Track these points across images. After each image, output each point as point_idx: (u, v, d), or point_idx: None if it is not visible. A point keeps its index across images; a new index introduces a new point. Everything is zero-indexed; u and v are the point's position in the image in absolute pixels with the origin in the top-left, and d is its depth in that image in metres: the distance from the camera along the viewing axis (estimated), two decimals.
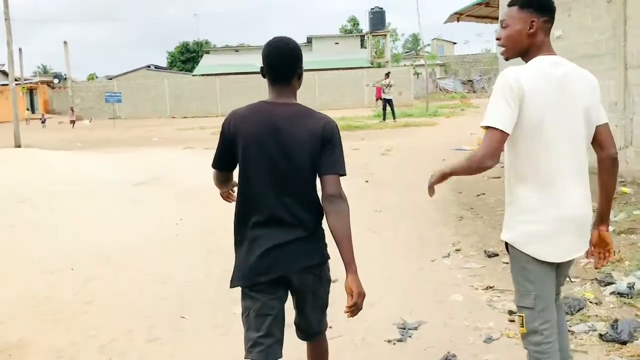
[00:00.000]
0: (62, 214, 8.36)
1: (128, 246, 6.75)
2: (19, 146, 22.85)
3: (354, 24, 63.50)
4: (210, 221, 7.91)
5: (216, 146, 2.81)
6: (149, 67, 55.28)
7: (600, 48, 9.67)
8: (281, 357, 2.78)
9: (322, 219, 2.75)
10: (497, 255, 6.04)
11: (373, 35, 51.17)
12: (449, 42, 75.42)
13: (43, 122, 36.72)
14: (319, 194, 2.75)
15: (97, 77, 67.02)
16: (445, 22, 15.76)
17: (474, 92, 53.64)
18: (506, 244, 2.74)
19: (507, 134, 2.52)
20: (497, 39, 2.78)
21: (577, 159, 2.65)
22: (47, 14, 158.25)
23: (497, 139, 2.51)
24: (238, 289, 2.81)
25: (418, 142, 16.75)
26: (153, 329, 4.53)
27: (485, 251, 6.17)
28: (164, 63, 67.92)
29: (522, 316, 2.69)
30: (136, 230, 7.49)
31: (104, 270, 5.98)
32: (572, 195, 2.62)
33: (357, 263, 2.66)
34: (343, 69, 42.72)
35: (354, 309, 2.61)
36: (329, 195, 2.63)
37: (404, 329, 4.33)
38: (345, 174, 2.70)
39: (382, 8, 49.83)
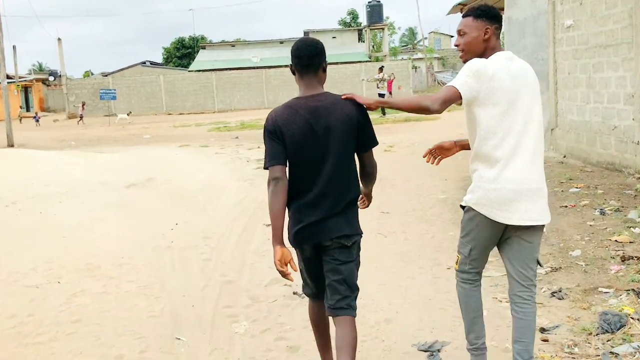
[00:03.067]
0: (50, 219, 7.88)
1: (119, 255, 6.27)
2: (12, 145, 22.38)
3: (353, 17, 62.83)
4: (207, 226, 7.45)
5: (265, 149, 3.10)
6: (144, 63, 54.59)
7: (615, 37, 9.20)
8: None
9: (358, 196, 3.21)
10: None
11: (371, 29, 50.59)
12: (446, 35, 74.75)
13: (37, 120, 36.13)
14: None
15: (92, 74, 66.40)
16: (449, 14, 15.26)
17: None
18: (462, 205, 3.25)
19: (459, 95, 2.98)
20: (456, 45, 3.24)
21: (533, 138, 3.05)
22: (42, 10, 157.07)
23: (451, 93, 2.99)
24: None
25: (420, 137, 16.26)
26: (145, 353, 4.06)
27: None
28: (160, 59, 67.31)
29: (458, 257, 3.31)
30: (128, 237, 7.01)
31: (92, 283, 5.50)
32: (526, 171, 3.01)
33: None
34: (341, 63, 42.12)
35: (367, 206, 3.46)
36: (368, 172, 3.23)
37: (426, 351, 3.87)
38: (378, 144, 3.17)
39: (379, 1, 49.16)
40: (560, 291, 4.75)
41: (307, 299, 4.51)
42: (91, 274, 5.75)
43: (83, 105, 35.99)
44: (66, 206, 8.58)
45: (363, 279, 5.27)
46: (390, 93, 36.43)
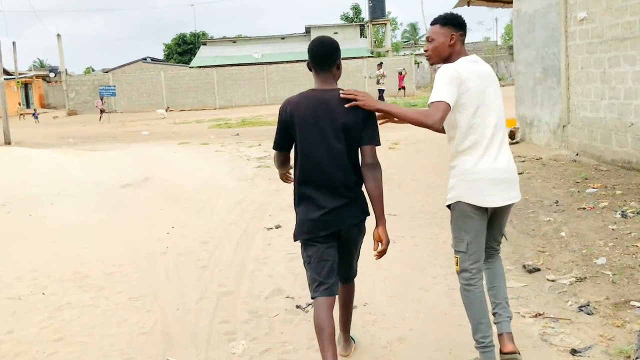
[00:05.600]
0: (40, 222, 7.49)
1: (110, 262, 5.87)
2: (9, 143, 22.07)
3: (356, 12, 62.26)
4: (205, 229, 7.05)
5: (275, 131, 3.41)
6: (145, 59, 54.16)
7: (633, 30, 8.76)
8: (338, 293, 3.43)
9: (362, 182, 3.33)
10: (538, 270, 5.17)
11: (373, 24, 50.08)
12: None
13: (36, 117, 35.74)
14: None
15: (93, 71, 65.96)
16: (455, 7, 14.79)
17: None
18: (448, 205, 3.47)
19: (450, 106, 3.22)
20: (425, 51, 3.57)
21: (502, 129, 3.41)
22: (43, 7, 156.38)
23: (444, 108, 3.20)
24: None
25: (425, 134, 15.78)
26: None
27: (524, 265, 5.30)
28: (161, 55, 66.83)
29: (457, 258, 3.43)
30: (121, 242, 6.61)
31: (79, 294, 5.10)
32: (501, 157, 3.34)
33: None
34: (343, 58, 41.59)
35: (382, 254, 3.35)
36: (369, 163, 3.27)
37: None
38: (380, 144, 3.31)
39: None
40: (588, 305, 4.34)
41: (310, 313, 4.16)
42: (79, 284, 5.35)
43: (102, 99, 35.02)
44: (58, 208, 8.19)
45: (373, 290, 4.91)
46: (403, 88, 36.13)
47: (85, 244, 6.55)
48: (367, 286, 4.93)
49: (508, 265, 5.41)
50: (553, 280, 4.93)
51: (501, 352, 3.41)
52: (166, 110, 34.15)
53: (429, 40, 3.52)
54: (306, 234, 3.30)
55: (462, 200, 3.34)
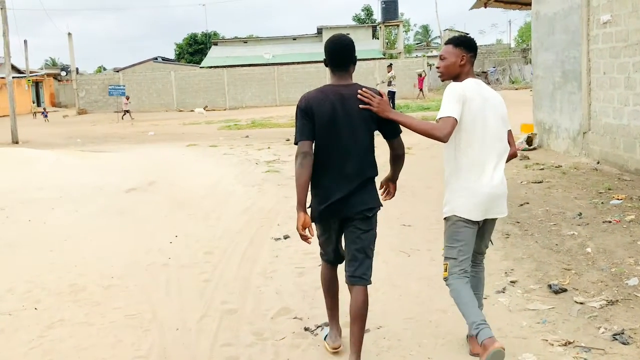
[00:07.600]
0: (39, 228, 7.19)
1: (108, 274, 5.56)
2: (17, 142, 21.93)
3: (368, 13, 61.92)
4: (210, 239, 6.72)
5: (295, 127, 3.53)
6: (156, 59, 54.04)
7: None
8: (342, 261, 3.73)
9: (376, 174, 3.59)
10: (565, 290, 4.81)
11: (385, 26, 49.70)
12: (462, 32, 73.61)
13: (45, 115, 35.60)
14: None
15: (105, 70, 65.98)
16: (472, 8, 14.42)
17: (489, 83, 51.90)
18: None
19: (457, 122, 3.44)
20: (437, 68, 3.78)
21: (498, 149, 3.63)
22: (56, 5, 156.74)
23: (453, 123, 3.43)
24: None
25: None
26: None
27: (549, 285, 4.93)
28: (172, 55, 66.76)
29: (447, 264, 3.66)
30: (121, 251, 6.29)
31: (73, 310, 4.77)
32: (494, 177, 3.58)
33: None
34: None
35: (391, 197, 3.89)
36: (398, 154, 3.67)
37: None
38: (402, 131, 3.58)
39: None
40: (623, 333, 3.97)
41: (318, 337, 3.91)
42: (74, 297, 5.04)
43: (127, 98, 34.46)
44: (58, 213, 7.89)
45: (387, 310, 4.56)
46: (422, 90, 35.77)
47: (84, 254, 6.23)
48: (380, 306, 4.60)
49: (532, 284, 5.06)
50: (582, 303, 4.56)
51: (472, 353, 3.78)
52: (204, 109, 33.76)
53: (441, 58, 3.75)
54: (317, 218, 3.57)
55: (457, 214, 3.59)
